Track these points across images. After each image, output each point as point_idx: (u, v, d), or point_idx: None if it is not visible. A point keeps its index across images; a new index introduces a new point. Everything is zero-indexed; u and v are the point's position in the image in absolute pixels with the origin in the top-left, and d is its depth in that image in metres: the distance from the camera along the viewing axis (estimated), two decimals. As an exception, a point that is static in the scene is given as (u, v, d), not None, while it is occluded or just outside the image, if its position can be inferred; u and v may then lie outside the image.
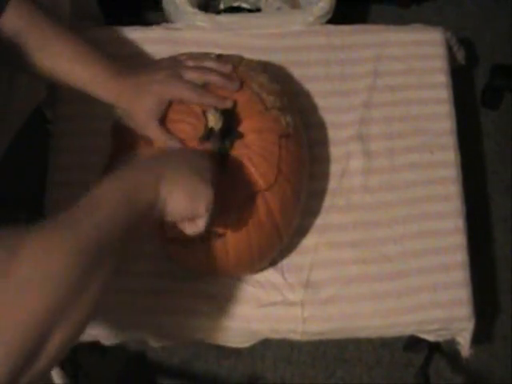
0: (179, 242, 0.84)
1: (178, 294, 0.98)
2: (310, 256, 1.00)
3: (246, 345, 1.02)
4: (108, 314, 0.97)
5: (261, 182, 0.83)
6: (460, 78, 1.17)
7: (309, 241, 1.01)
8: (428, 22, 1.16)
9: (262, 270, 0.98)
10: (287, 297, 0.98)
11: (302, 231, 1.00)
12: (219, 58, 0.91)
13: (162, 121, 0.83)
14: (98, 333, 0.99)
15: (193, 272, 0.95)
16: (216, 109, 0.80)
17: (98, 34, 1.08)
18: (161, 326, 0.98)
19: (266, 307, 0.97)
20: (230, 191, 0.80)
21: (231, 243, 0.84)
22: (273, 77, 0.92)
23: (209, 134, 0.80)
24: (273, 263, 0.98)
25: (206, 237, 0.82)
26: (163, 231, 0.85)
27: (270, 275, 0.99)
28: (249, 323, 0.97)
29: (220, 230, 0.82)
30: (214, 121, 0.79)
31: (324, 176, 1.04)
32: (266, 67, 0.95)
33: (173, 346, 1.03)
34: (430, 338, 1.03)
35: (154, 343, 1.01)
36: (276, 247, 0.91)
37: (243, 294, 0.98)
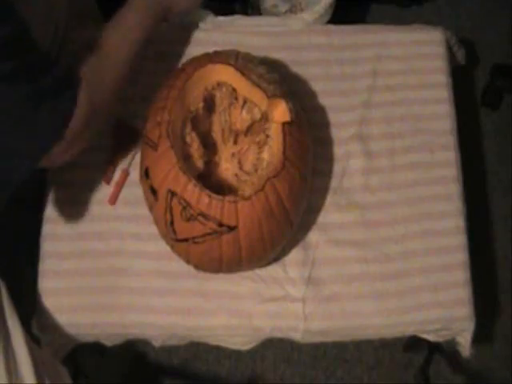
0: (190, 239, 0.85)
1: (179, 294, 0.98)
2: (311, 252, 1.00)
3: (248, 347, 1.02)
4: (108, 314, 0.97)
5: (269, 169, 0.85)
6: (460, 77, 1.17)
7: (310, 237, 1.01)
8: (428, 22, 1.17)
9: (269, 262, 0.98)
10: (289, 292, 0.98)
11: (303, 227, 1.00)
12: (215, 53, 0.92)
13: None
14: (98, 333, 0.99)
15: (195, 270, 0.95)
16: None
17: (97, 33, 1.07)
18: (162, 326, 0.98)
19: (268, 302, 0.98)
20: None
21: (243, 235, 0.84)
22: (270, 67, 0.93)
23: None
24: (275, 258, 0.98)
25: (218, 231, 0.83)
26: (173, 232, 0.85)
27: (271, 269, 0.99)
28: (250, 320, 0.97)
29: (231, 223, 0.82)
30: None
31: (325, 174, 1.04)
32: (263, 60, 0.97)
33: (173, 345, 1.03)
34: (431, 337, 1.03)
35: (154, 343, 1.01)
36: (287, 234, 0.91)
37: (245, 290, 0.98)
